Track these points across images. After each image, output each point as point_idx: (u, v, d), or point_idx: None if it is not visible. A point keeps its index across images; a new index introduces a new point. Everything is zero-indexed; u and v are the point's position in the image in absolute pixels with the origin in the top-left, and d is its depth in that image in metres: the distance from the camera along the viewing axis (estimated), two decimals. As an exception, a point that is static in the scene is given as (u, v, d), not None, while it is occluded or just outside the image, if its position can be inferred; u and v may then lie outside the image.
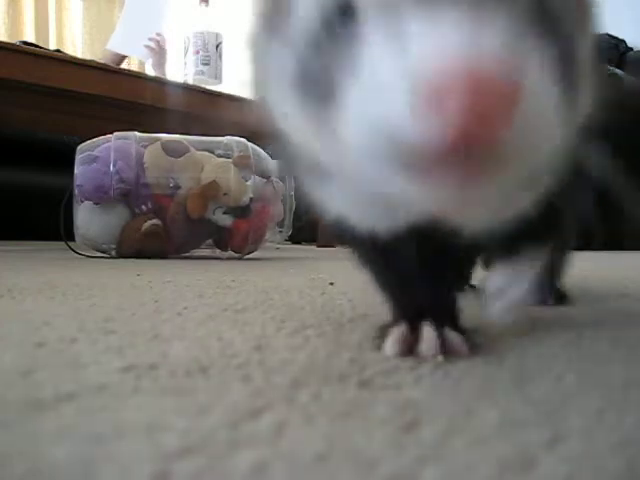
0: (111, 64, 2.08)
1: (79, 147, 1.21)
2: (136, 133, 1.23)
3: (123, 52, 2.10)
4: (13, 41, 1.88)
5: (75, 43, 2.94)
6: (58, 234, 1.19)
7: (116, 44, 2.01)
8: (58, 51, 1.92)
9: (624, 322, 0.47)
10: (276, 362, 0.30)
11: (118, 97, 1.51)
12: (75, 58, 1.64)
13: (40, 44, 2.33)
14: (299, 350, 0.33)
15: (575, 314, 0.50)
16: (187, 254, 1.28)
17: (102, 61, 2.09)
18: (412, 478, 0.17)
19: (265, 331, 0.39)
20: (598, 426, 0.22)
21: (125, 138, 1.21)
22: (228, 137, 1.30)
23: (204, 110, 1.70)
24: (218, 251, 1.27)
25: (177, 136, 1.27)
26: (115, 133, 1.22)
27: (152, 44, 2.00)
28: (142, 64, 2.53)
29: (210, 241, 1.26)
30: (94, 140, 1.22)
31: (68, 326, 0.40)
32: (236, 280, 0.76)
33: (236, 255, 1.26)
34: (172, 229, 1.20)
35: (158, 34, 2.01)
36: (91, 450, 0.18)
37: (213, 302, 0.54)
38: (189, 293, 0.60)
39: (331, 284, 0.72)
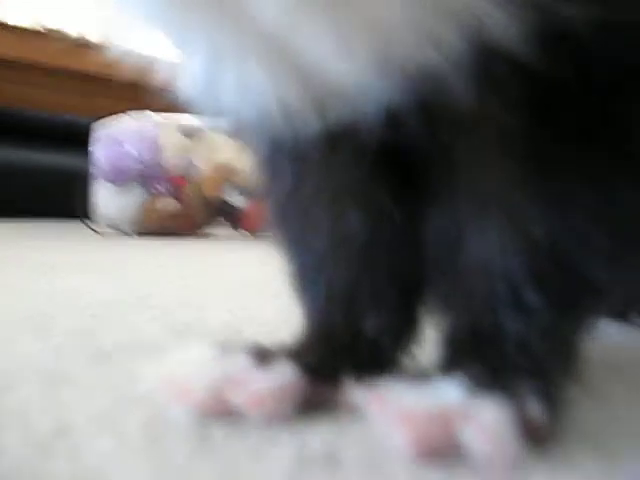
0: None
1: (94, 126, 1.22)
2: (152, 113, 1.24)
3: None
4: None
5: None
6: (77, 213, 1.21)
7: None
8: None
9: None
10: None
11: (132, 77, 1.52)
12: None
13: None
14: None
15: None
16: (203, 233, 1.30)
17: None
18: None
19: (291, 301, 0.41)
20: (598, 427, 0.21)
21: (141, 118, 1.23)
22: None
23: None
24: (234, 231, 1.29)
25: (192, 116, 1.28)
26: (130, 112, 1.23)
27: None
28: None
29: (226, 221, 1.28)
30: (109, 119, 1.23)
31: (114, 299, 0.42)
32: (253, 257, 0.78)
33: (250, 235, 1.28)
34: (188, 209, 1.22)
35: None
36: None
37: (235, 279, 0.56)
38: (211, 269, 0.62)
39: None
